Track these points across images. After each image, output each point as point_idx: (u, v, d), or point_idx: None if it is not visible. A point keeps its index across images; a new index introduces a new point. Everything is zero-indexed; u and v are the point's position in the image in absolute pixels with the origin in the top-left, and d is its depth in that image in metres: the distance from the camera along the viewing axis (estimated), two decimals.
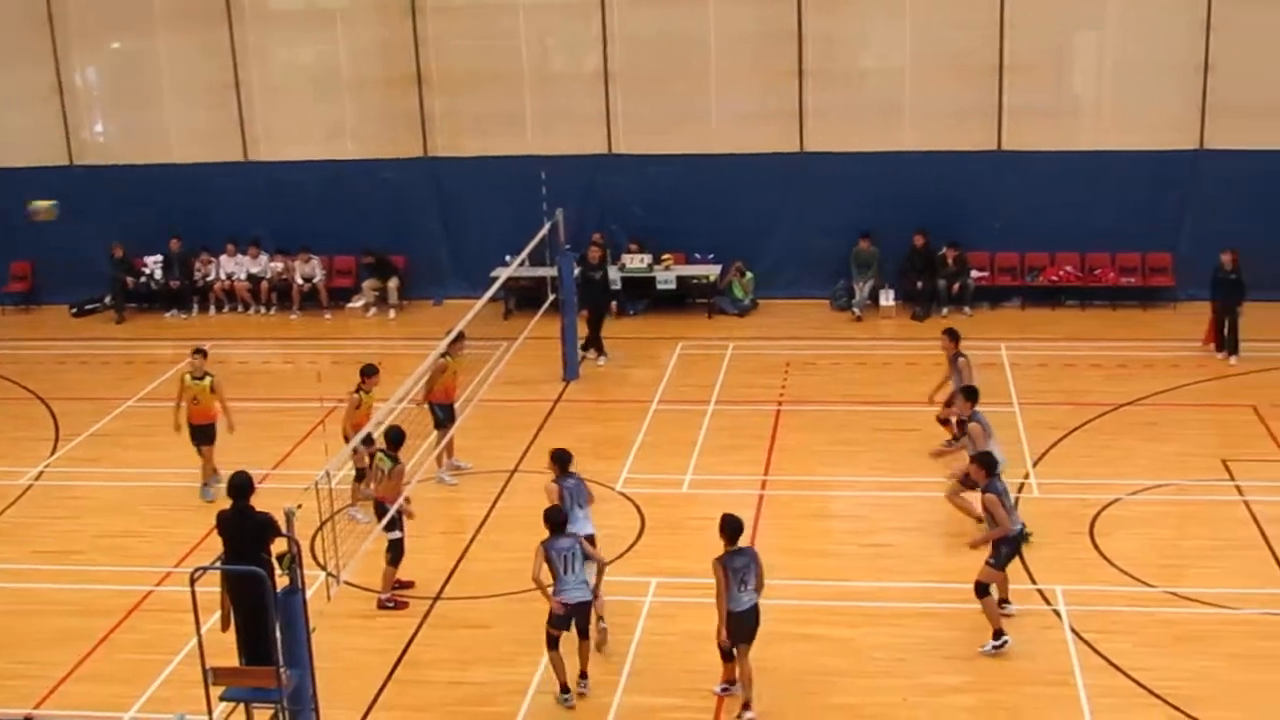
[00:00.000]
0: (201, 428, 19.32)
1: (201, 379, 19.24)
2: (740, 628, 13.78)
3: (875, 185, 26.81)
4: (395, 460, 16.25)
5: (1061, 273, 26.67)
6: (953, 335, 19.45)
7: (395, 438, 16.43)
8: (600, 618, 15.22)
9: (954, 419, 18.99)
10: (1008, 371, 23.19)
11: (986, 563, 15.00)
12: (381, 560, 16.27)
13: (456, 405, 19.74)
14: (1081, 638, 15.04)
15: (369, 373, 18.63)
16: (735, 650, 13.90)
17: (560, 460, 15.44)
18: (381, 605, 16.33)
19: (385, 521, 15.91)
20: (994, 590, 15.11)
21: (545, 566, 14.12)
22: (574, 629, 14.28)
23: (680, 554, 17.34)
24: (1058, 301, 26.80)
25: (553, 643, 14.25)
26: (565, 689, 14.29)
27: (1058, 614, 15.50)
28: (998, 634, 14.90)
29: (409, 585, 16.71)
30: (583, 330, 24.03)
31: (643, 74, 27.47)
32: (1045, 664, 14.67)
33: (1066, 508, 17.99)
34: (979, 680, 14.44)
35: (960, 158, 26.63)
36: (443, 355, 18.91)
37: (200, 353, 19.54)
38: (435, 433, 19.33)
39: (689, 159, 27.42)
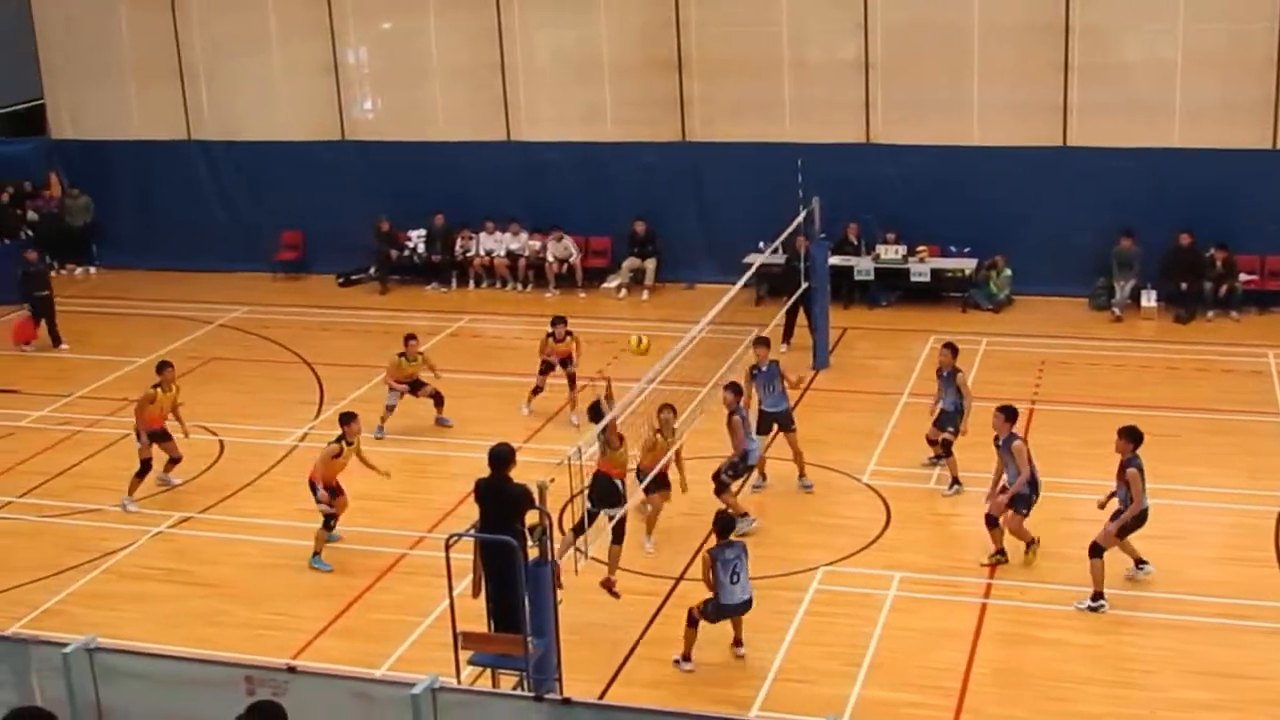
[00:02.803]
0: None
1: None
2: (724, 616, 14.74)
3: (1140, 182, 26.01)
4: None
5: None
6: (952, 349, 19.16)
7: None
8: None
9: (940, 440, 19.00)
10: (1275, 380, 22.33)
11: (1113, 531, 15.68)
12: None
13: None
14: None
15: (347, 420, 17.71)
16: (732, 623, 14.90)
17: None
18: (607, 586, 15.96)
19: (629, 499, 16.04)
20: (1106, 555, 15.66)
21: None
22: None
23: (925, 549, 17.23)
24: None
25: None
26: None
27: None
28: (1097, 595, 15.60)
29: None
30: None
31: (903, 63, 27.14)
32: None
33: None
34: (1232, 698, 13.99)
35: (1231, 156, 25.63)
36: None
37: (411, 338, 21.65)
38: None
39: (948, 150, 27.00)
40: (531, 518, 13.22)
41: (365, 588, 16.81)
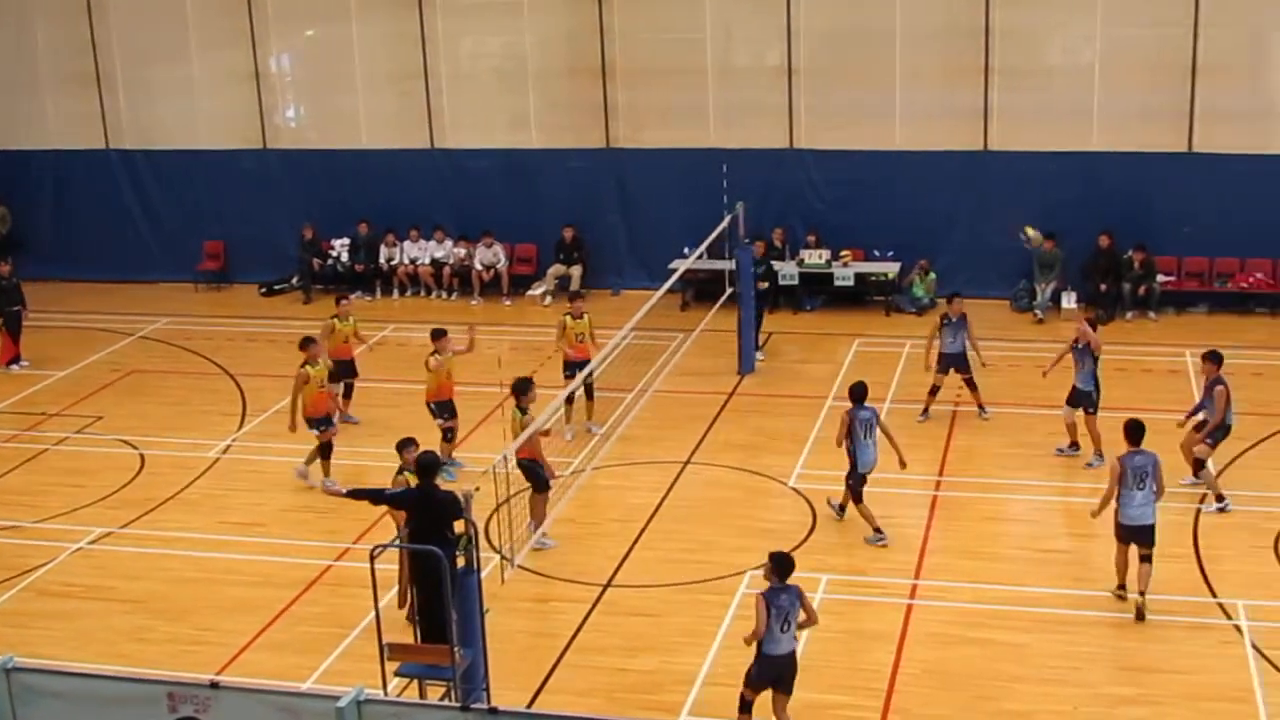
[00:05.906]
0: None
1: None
2: (772, 671, 13.06)
3: (1060, 185, 26.32)
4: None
5: (1252, 279, 25.94)
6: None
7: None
8: None
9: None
10: (1192, 379, 22.61)
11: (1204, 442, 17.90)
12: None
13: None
14: (1263, 655, 14.67)
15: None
16: (773, 699, 13.16)
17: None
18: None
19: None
20: None
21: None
22: None
23: (851, 552, 17.32)
24: (1247, 309, 26.05)
25: None
26: None
27: (1239, 629, 15.15)
28: (1220, 497, 17.80)
29: None
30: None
31: (826, 68, 27.31)
32: (1224, 679, 14.35)
33: (1250, 520, 17.57)
34: (1153, 693, 14.17)
35: (1149, 159, 26.00)
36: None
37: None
38: None
39: (871, 154, 27.22)
40: (459, 527, 13.16)
41: (291, 600, 16.66)
